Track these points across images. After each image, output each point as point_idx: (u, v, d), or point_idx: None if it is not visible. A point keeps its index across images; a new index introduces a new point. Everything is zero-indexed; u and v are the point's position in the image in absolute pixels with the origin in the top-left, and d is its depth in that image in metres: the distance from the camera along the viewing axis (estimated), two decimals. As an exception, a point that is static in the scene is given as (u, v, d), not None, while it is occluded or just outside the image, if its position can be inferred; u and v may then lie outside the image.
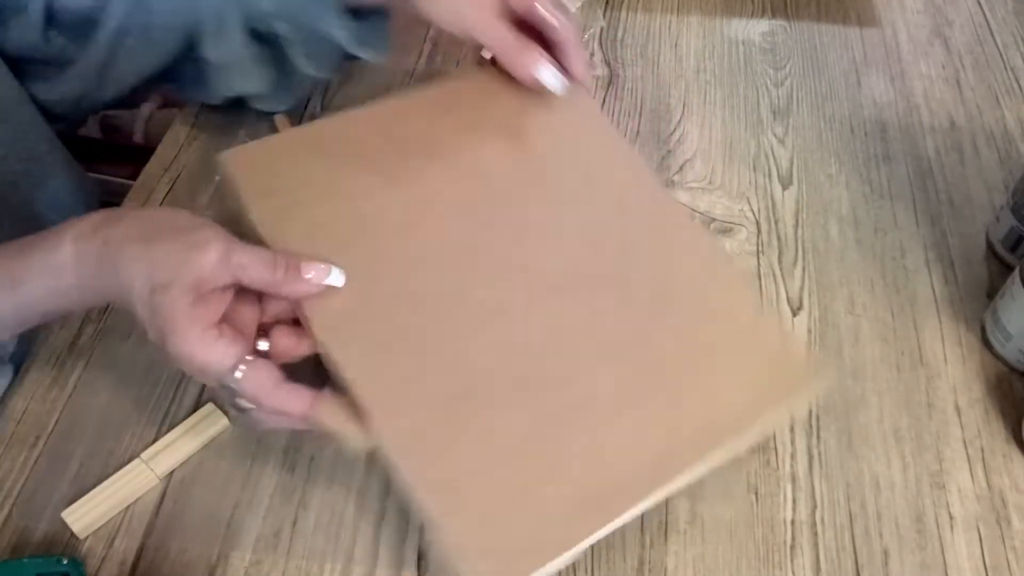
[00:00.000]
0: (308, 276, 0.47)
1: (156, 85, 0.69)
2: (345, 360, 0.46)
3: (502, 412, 0.46)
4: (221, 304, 0.45)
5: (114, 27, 0.61)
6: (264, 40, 0.63)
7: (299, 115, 0.73)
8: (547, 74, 0.55)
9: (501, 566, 0.41)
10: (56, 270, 0.46)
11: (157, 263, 0.44)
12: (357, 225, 0.52)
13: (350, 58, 0.65)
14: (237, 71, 0.64)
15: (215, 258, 0.44)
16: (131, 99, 0.70)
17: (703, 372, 0.48)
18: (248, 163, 0.54)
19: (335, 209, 0.52)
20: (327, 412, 0.45)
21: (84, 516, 0.50)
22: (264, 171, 0.53)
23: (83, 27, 0.61)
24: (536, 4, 0.56)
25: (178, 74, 0.67)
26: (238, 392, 0.45)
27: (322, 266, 0.47)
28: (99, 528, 0.51)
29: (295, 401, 0.45)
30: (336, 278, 0.48)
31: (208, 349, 0.44)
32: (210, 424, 0.54)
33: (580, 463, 0.44)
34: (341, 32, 0.61)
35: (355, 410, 0.45)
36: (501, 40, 0.56)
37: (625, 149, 0.60)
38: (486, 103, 0.58)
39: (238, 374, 0.44)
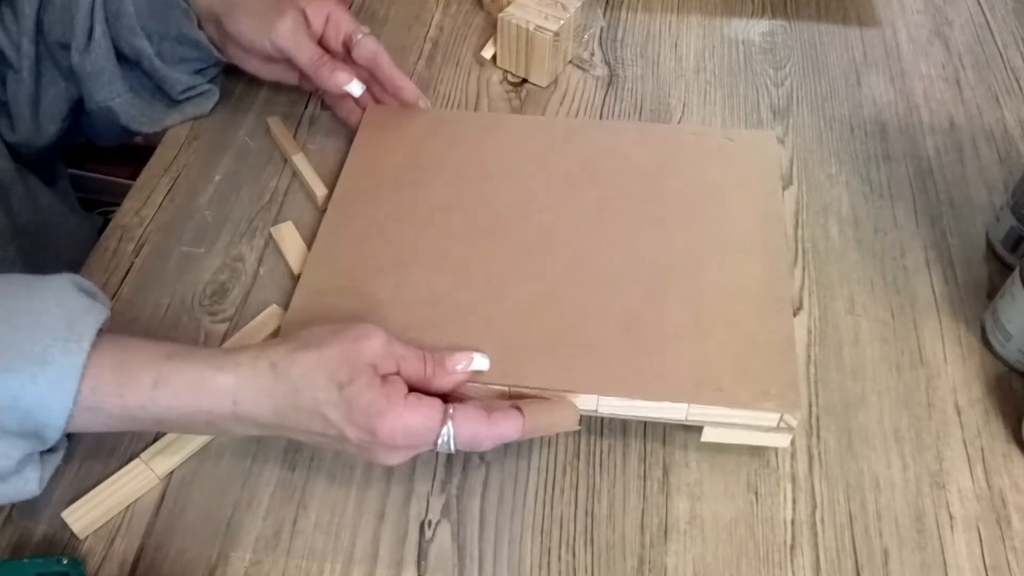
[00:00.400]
0: (457, 367, 0.49)
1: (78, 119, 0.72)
2: (535, 383, 0.51)
3: (659, 310, 0.54)
4: (400, 382, 0.47)
5: (30, 55, 0.65)
6: (133, 64, 0.67)
7: (298, 116, 0.73)
8: (355, 86, 0.64)
9: (786, 393, 0.50)
10: (209, 391, 0.45)
11: (334, 362, 0.45)
12: (424, 292, 0.56)
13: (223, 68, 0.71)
14: (97, 80, 0.66)
15: (380, 343, 0.46)
16: (71, 138, 0.74)
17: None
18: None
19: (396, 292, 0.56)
20: (539, 419, 0.49)
21: (84, 516, 0.50)
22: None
23: (7, 62, 0.65)
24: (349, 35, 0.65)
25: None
26: (455, 443, 0.47)
27: (468, 355, 0.50)
28: (99, 528, 0.51)
29: (509, 425, 0.48)
30: (481, 362, 0.50)
31: (417, 411, 0.46)
32: None
33: (727, 303, 0.55)
34: (200, 37, 0.66)
35: (551, 400, 0.50)
36: (313, 58, 0.64)
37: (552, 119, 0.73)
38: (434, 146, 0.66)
39: (450, 425, 0.46)
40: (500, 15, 0.74)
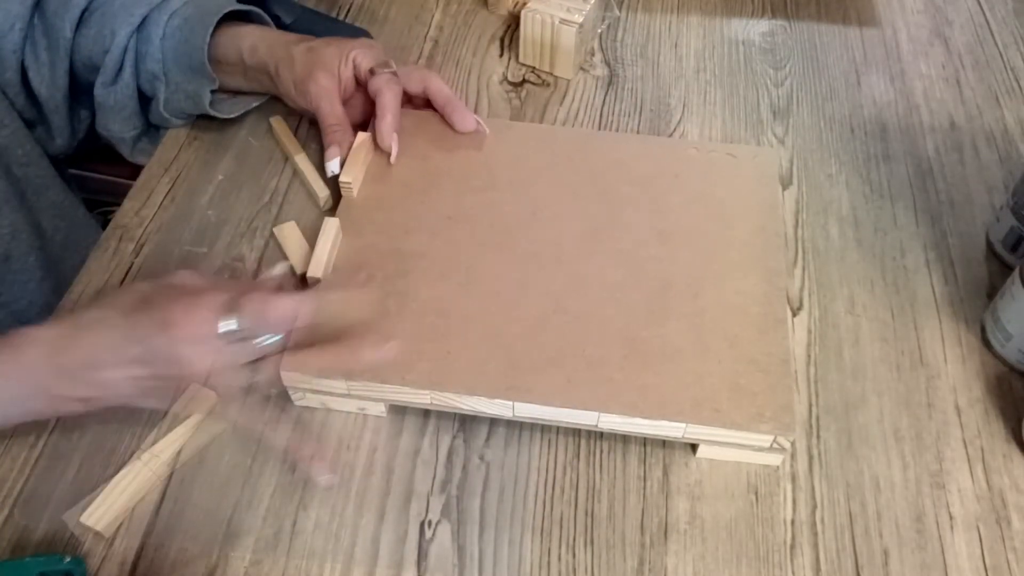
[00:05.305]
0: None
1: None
2: (538, 398, 0.52)
3: (661, 327, 0.54)
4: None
5: (65, 71, 0.67)
6: (140, 95, 0.69)
7: (299, 115, 0.73)
8: (333, 163, 0.64)
9: (780, 415, 0.51)
10: (24, 334, 0.49)
11: (142, 282, 0.51)
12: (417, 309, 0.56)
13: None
14: (117, 115, 0.69)
15: (187, 272, 0.52)
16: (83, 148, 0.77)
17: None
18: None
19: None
20: (330, 297, 0.51)
21: (104, 516, 0.50)
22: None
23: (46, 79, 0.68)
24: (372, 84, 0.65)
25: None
26: (241, 318, 0.48)
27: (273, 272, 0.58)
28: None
29: (295, 300, 0.49)
30: (282, 266, 0.58)
31: (204, 290, 0.49)
32: (199, 404, 0.53)
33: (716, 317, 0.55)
34: (207, 98, 0.68)
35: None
36: (329, 122, 0.65)
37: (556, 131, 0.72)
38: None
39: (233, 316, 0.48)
40: (524, 11, 0.74)
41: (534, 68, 0.78)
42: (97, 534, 0.50)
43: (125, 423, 0.55)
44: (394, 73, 0.66)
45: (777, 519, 0.52)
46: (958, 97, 0.78)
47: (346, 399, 0.54)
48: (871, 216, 0.68)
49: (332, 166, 0.64)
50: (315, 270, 0.56)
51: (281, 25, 0.73)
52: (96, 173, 1.16)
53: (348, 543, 0.50)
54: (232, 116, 0.70)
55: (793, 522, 0.52)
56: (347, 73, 0.66)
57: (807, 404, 0.57)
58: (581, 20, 0.73)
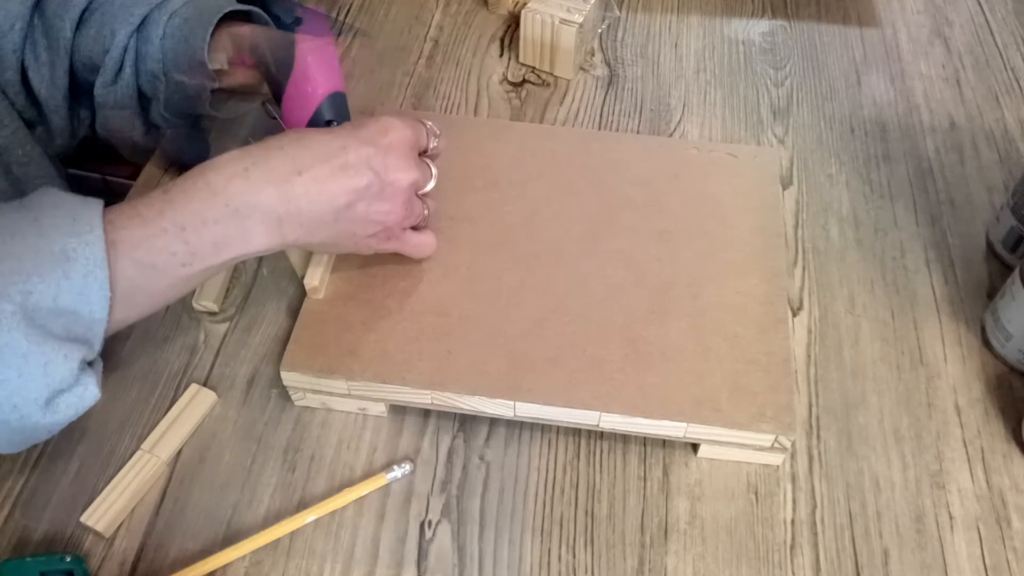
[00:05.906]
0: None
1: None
2: (539, 398, 0.52)
3: (661, 326, 0.55)
4: None
5: (65, 70, 0.67)
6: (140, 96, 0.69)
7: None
8: None
9: (781, 415, 0.51)
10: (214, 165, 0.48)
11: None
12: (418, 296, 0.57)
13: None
14: (118, 115, 0.68)
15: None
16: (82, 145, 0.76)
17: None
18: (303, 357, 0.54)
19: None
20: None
21: (104, 516, 0.50)
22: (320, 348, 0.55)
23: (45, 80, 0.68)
24: None
25: None
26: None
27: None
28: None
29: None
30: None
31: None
32: (199, 403, 0.55)
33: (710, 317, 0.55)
34: (207, 98, 0.67)
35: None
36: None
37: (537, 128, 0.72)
38: None
39: None
40: (524, 11, 0.74)
41: (534, 68, 0.79)
42: (97, 534, 0.50)
43: (125, 423, 0.55)
44: None
45: (777, 519, 0.52)
46: (958, 97, 0.78)
47: (346, 399, 0.54)
48: (871, 216, 0.68)
49: None
50: (312, 278, 0.56)
51: (281, 25, 0.73)
52: (96, 173, 1.16)
53: (348, 543, 0.50)
54: (232, 116, 0.70)
55: (793, 522, 0.52)
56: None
57: (807, 404, 0.57)
58: (581, 20, 0.73)
